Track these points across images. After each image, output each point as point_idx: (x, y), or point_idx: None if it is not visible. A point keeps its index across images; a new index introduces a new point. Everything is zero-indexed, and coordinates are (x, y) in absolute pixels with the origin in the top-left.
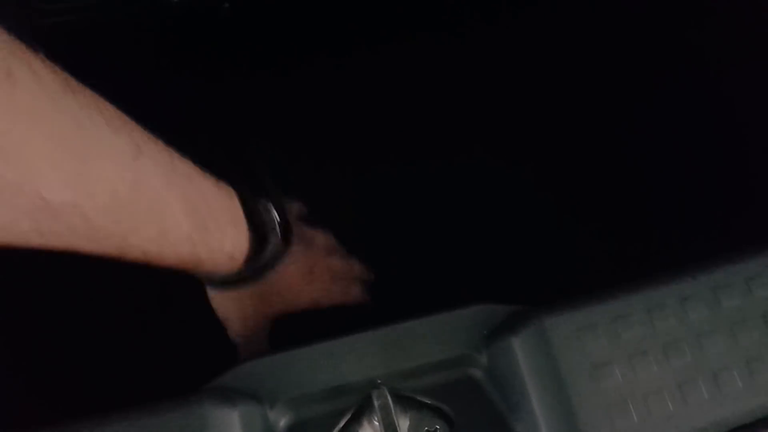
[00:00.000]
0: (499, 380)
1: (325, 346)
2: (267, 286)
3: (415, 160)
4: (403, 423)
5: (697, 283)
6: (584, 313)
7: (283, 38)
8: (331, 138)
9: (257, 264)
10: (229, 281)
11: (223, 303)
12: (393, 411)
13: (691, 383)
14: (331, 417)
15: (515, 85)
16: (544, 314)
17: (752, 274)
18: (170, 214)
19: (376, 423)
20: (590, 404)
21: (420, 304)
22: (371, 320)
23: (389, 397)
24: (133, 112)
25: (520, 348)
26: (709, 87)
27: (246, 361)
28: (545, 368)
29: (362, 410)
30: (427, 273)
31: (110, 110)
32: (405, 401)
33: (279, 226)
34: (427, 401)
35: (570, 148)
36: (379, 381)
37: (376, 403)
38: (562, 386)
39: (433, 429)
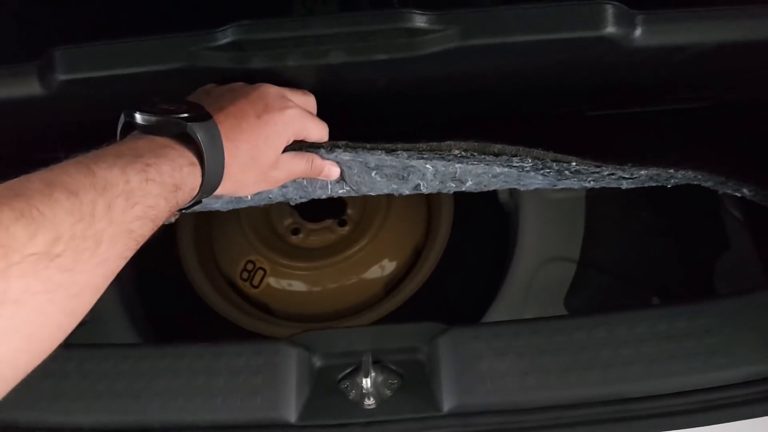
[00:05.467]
0: (431, 362)
1: (345, 331)
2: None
3: None
4: (378, 376)
5: (563, 328)
6: (477, 331)
7: None
8: None
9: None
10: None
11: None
12: (371, 368)
13: (528, 376)
14: (342, 367)
15: None
16: (457, 330)
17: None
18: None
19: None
20: (468, 375)
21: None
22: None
23: (371, 360)
24: None
25: (443, 345)
26: None
27: (306, 332)
28: (451, 357)
29: (359, 366)
30: None
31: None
32: (382, 365)
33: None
34: (392, 367)
35: None
36: (369, 352)
37: (362, 360)
38: (457, 365)
39: (393, 381)
